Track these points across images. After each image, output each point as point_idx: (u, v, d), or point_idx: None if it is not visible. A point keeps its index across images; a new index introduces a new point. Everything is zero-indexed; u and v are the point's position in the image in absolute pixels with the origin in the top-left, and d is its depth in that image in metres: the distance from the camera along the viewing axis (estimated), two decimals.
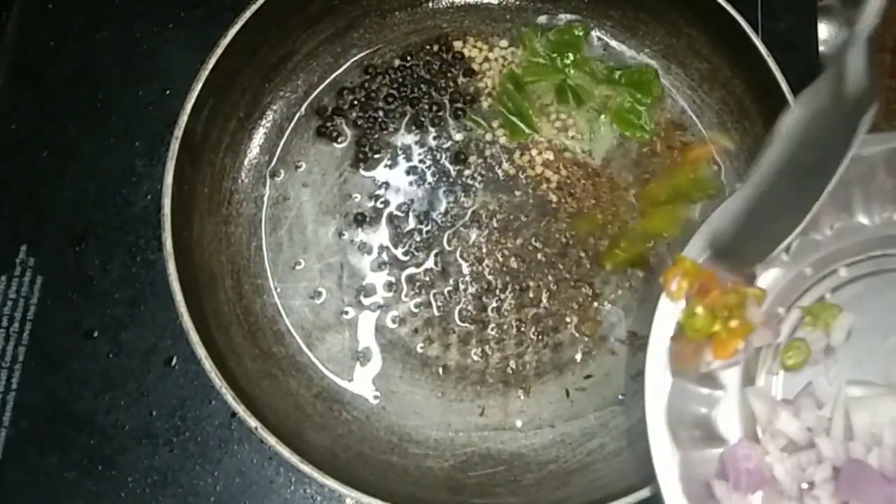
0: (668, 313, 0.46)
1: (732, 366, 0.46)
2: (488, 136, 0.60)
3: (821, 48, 0.65)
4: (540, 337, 0.56)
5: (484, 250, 0.57)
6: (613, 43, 0.62)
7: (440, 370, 0.55)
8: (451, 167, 0.59)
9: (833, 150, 0.43)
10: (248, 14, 0.54)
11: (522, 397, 0.55)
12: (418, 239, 0.57)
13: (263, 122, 0.59)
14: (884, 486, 0.42)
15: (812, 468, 0.44)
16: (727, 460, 0.44)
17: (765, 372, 0.47)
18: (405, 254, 0.57)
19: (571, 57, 0.60)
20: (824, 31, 0.66)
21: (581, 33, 0.61)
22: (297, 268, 0.57)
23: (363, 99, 0.60)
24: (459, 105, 0.60)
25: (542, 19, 0.62)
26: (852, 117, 0.43)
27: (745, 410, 0.46)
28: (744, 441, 0.45)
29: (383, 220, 0.58)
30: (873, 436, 0.43)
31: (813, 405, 0.45)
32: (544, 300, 0.56)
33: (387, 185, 0.58)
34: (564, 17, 0.62)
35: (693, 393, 0.46)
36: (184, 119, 0.52)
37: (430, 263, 0.57)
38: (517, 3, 0.63)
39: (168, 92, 0.62)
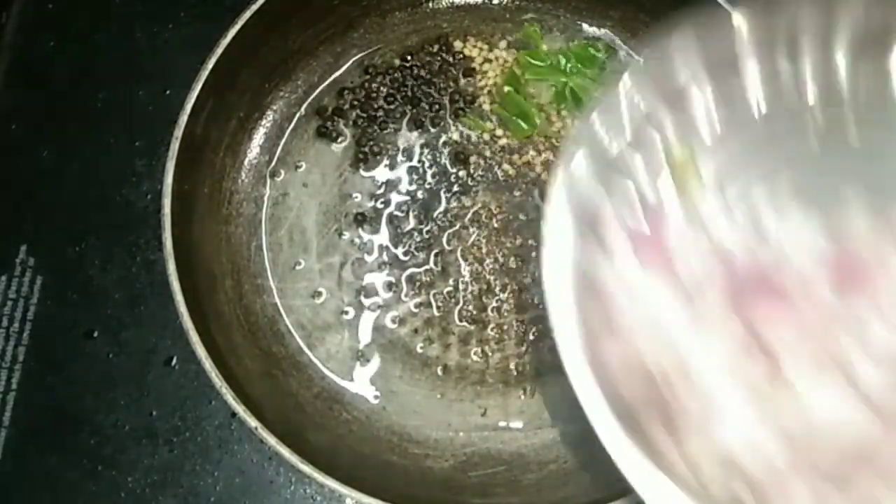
0: None
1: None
2: (488, 137, 0.60)
3: None
4: (540, 337, 0.56)
5: (484, 250, 0.57)
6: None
7: (440, 370, 0.55)
8: (451, 167, 0.59)
9: None
10: (248, 14, 0.54)
11: (523, 397, 0.55)
12: (418, 239, 0.57)
13: (263, 122, 0.59)
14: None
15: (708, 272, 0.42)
16: (651, 220, 0.42)
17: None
18: (405, 254, 0.57)
19: (579, 66, 0.60)
20: None
21: (605, 57, 0.61)
22: (297, 268, 0.57)
23: (363, 99, 0.60)
24: (459, 105, 0.60)
25: (543, 19, 0.62)
26: None
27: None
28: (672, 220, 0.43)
29: (383, 220, 0.58)
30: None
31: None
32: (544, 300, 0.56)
33: (387, 185, 0.58)
34: (564, 17, 0.62)
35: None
36: (184, 119, 0.52)
37: (430, 263, 0.57)
38: (517, 3, 0.63)
39: (168, 92, 0.62)
